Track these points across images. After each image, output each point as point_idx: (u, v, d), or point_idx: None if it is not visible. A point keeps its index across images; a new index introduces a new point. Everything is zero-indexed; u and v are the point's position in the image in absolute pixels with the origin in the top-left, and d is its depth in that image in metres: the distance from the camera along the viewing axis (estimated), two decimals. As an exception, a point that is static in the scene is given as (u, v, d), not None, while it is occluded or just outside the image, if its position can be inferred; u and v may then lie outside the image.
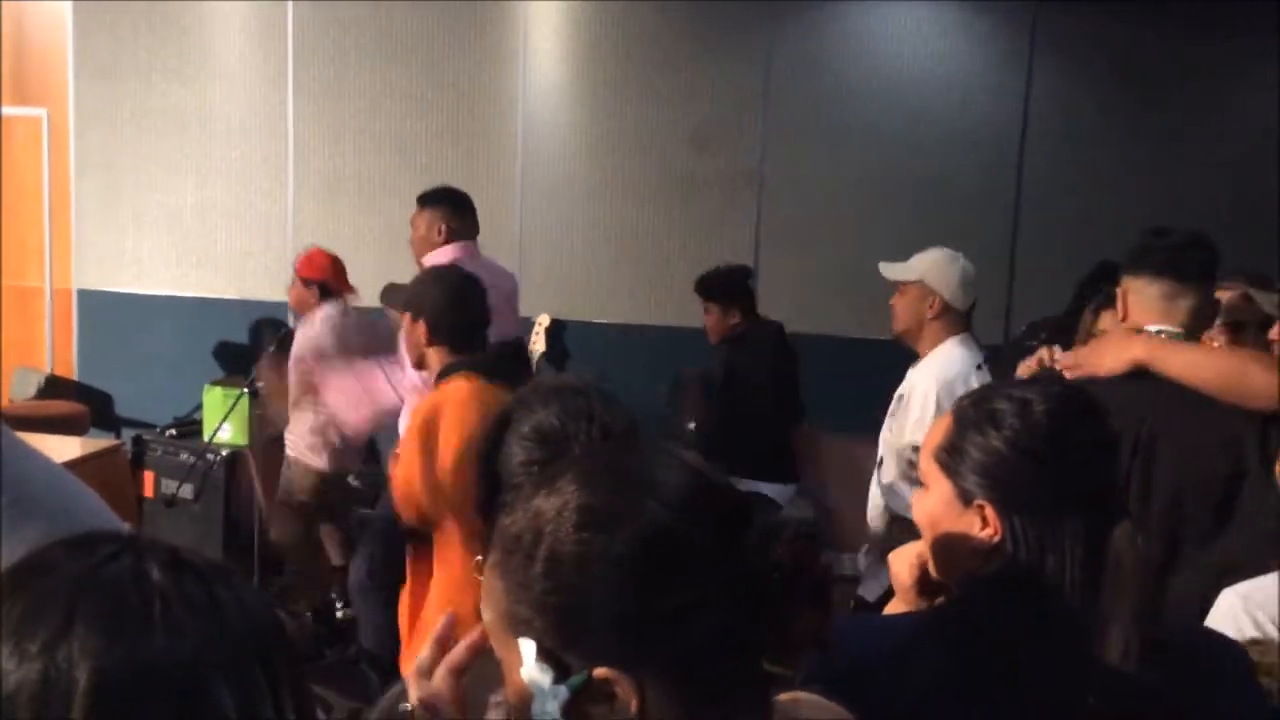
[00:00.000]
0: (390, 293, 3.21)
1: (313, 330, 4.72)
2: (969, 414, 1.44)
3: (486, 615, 0.99)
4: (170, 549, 0.80)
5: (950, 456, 1.43)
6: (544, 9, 6.22)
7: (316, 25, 6.33)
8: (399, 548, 3.92)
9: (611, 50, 6.21)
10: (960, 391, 2.55)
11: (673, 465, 0.98)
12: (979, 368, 3.23)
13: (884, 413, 3.44)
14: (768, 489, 4.68)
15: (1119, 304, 2.42)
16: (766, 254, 5.99)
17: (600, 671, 0.91)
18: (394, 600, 3.96)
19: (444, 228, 4.14)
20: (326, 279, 4.86)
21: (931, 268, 3.30)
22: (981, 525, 1.39)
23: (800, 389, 5.17)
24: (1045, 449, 1.38)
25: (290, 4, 6.32)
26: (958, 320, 3.32)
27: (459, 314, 2.93)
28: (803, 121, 6.14)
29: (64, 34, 6.50)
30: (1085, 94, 6.00)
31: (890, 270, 3.42)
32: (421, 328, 2.91)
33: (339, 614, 5.04)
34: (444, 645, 1.13)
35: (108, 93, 6.48)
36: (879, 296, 5.34)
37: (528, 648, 0.93)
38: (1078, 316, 3.15)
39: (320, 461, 4.75)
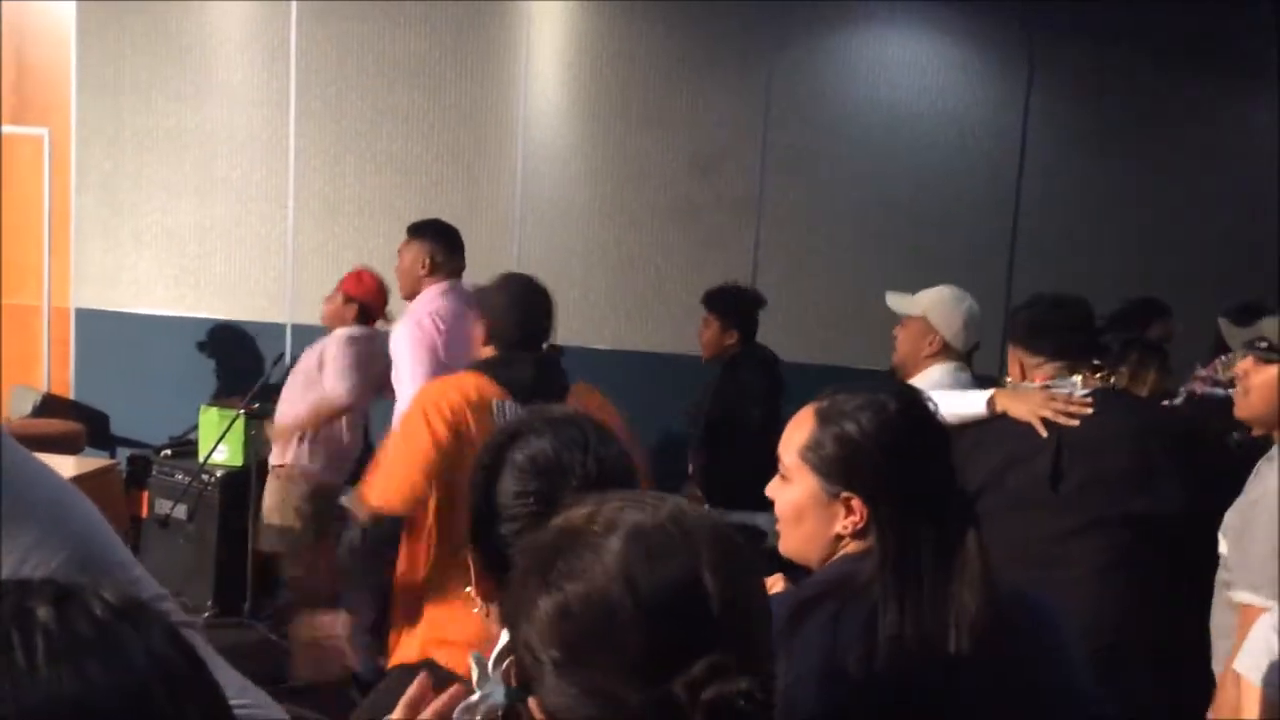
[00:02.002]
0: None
1: (330, 351, 4.75)
2: (830, 413, 1.57)
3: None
4: (63, 588, 0.77)
5: (814, 453, 1.56)
6: (546, 33, 6.26)
7: (319, 46, 6.36)
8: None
9: (613, 76, 6.24)
10: None
11: (691, 572, 0.97)
12: None
13: None
14: (756, 518, 4.61)
15: (1012, 366, 2.81)
16: (763, 281, 5.99)
17: (534, 704, 0.98)
18: (380, 625, 3.96)
19: (428, 261, 4.16)
20: (368, 300, 4.88)
21: (936, 305, 3.27)
22: (846, 514, 1.53)
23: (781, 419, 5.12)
24: (900, 442, 1.53)
25: (293, 25, 6.35)
26: (956, 360, 3.30)
27: (518, 321, 2.97)
28: (802, 151, 6.17)
29: (66, 53, 6.52)
30: (1082, 127, 6.04)
31: (896, 302, 3.38)
32: (480, 328, 2.99)
33: None
34: (415, 707, 1.13)
35: (109, 112, 6.50)
36: (876, 326, 5.36)
37: (501, 639, 1.02)
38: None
39: (314, 468, 4.77)
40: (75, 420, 6.18)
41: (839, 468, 1.54)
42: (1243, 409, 2.36)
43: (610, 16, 6.22)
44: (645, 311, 6.32)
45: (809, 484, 1.56)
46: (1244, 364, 2.34)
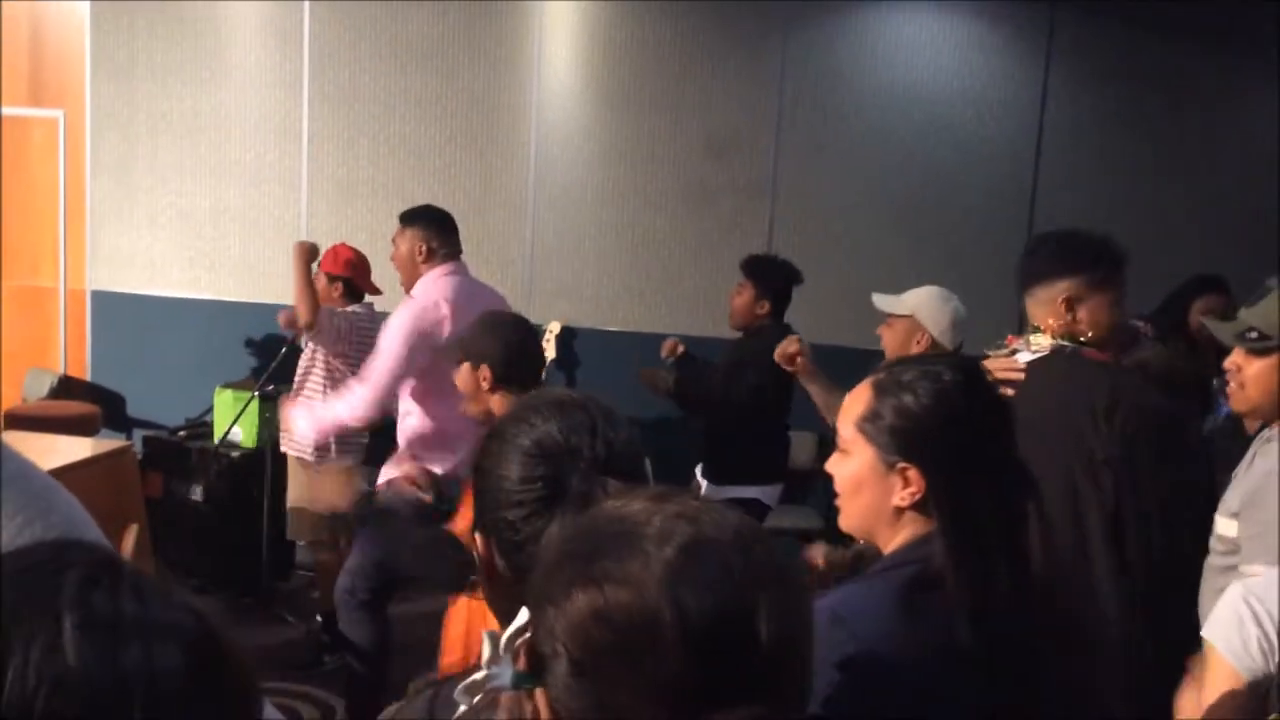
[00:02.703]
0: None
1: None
2: (887, 384, 1.58)
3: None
4: (103, 568, 0.76)
5: (872, 424, 1.56)
6: (559, 16, 6.23)
7: (332, 29, 6.35)
8: (384, 559, 3.91)
9: (626, 58, 6.21)
10: None
11: (745, 605, 0.91)
12: None
13: None
14: (756, 491, 4.60)
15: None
16: (778, 263, 5.99)
17: (540, 696, 0.93)
18: (375, 610, 3.96)
19: (424, 248, 4.10)
20: (351, 276, 4.83)
21: (923, 304, 3.34)
22: (903, 485, 1.53)
23: (793, 398, 5.09)
24: (957, 412, 1.54)
25: (306, 8, 6.34)
26: None
27: (522, 359, 2.95)
28: (817, 132, 6.14)
29: (81, 36, 6.53)
30: (1101, 108, 5.99)
31: (883, 302, 3.44)
32: (485, 373, 2.92)
33: None
34: None
35: (124, 95, 6.51)
36: (890, 308, 5.28)
37: (519, 619, 0.96)
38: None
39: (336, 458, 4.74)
40: (91, 402, 6.21)
41: (896, 438, 1.54)
42: (1240, 402, 2.29)
43: (624, -2, 6.19)
44: (659, 294, 6.31)
45: (866, 455, 1.57)
46: (1235, 358, 2.27)
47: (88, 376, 6.69)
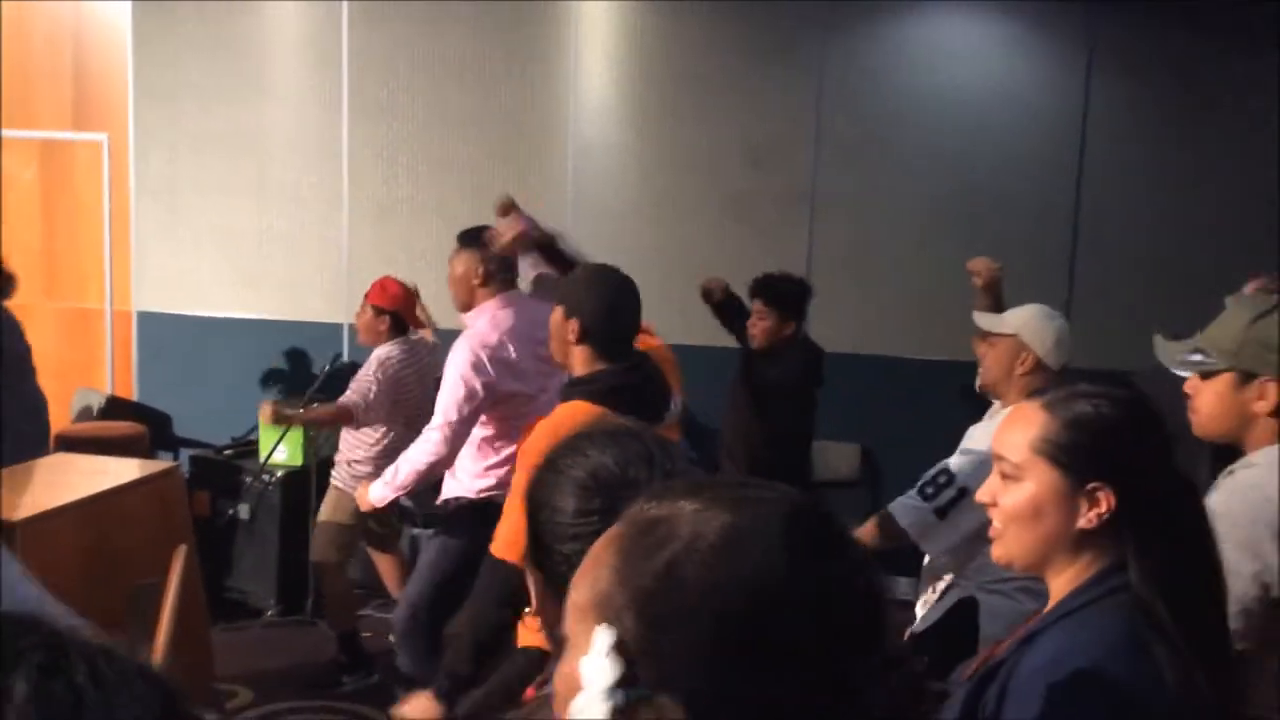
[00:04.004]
0: (541, 282, 3.29)
1: (367, 370, 4.73)
2: (1061, 405, 1.52)
3: (578, 592, 0.90)
4: (53, 645, 0.75)
5: (1053, 444, 1.50)
6: (595, 30, 6.24)
7: (371, 48, 6.39)
8: (449, 582, 3.87)
9: (663, 70, 6.21)
10: None
11: (853, 563, 0.91)
12: None
13: (943, 433, 3.34)
14: None
15: None
16: (819, 273, 5.93)
17: (664, 701, 0.83)
18: (435, 634, 3.92)
19: (481, 272, 4.05)
20: (399, 309, 4.84)
21: (1027, 323, 3.15)
22: (1089, 506, 1.47)
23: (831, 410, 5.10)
24: (1144, 427, 1.51)
25: (345, 28, 6.39)
26: (1049, 379, 3.20)
27: (613, 320, 2.88)
28: (856, 139, 6.10)
29: (124, 59, 6.61)
30: (1144, 110, 5.90)
31: (985, 321, 3.28)
32: (574, 325, 2.84)
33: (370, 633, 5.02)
34: None
35: (167, 117, 6.59)
36: (933, 316, 5.27)
37: (604, 637, 0.84)
38: None
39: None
40: (138, 422, 6.26)
41: (1084, 456, 1.49)
42: (1197, 428, 2.17)
43: (658, 10, 6.18)
44: (699, 306, 6.27)
45: (1047, 479, 1.51)
46: (1191, 383, 2.15)
47: (134, 397, 6.76)
